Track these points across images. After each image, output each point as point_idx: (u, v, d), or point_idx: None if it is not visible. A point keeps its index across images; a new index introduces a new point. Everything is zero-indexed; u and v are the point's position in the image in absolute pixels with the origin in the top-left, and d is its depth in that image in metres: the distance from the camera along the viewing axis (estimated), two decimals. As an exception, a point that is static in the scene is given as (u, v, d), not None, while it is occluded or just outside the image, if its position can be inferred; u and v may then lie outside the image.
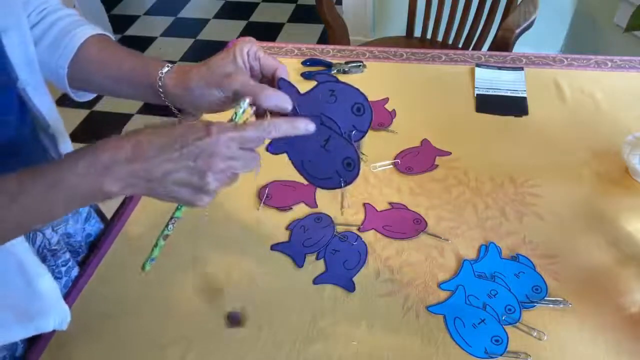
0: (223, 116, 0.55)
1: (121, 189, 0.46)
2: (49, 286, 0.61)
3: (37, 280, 0.59)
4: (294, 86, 0.56)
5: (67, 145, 0.69)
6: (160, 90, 0.58)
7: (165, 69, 0.58)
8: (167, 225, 0.53)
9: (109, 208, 0.88)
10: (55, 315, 0.62)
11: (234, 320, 0.65)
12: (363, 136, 0.57)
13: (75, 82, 0.65)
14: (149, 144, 0.46)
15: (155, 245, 0.54)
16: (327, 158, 0.58)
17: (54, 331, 0.65)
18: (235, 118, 0.52)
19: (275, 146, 0.59)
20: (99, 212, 0.85)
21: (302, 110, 0.56)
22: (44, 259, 0.67)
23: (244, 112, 0.52)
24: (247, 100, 0.52)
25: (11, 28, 0.55)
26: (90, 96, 0.70)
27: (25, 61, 0.58)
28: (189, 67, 0.57)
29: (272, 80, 0.57)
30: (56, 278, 0.69)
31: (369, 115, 0.56)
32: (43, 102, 0.62)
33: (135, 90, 0.62)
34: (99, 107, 2.45)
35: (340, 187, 0.59)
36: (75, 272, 0.73)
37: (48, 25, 0.64)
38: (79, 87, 0.67)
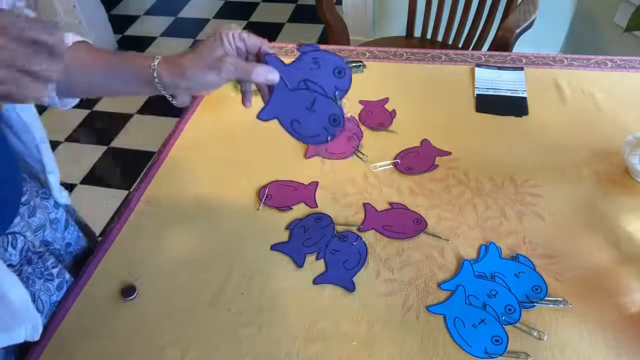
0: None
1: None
2: (19, 297, 0.60)
3: (10, 291, 0.59)
4: (279, 59, 0.62)
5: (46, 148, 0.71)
6: (157, 80, 0.59)
7: (157, 61, 0.60)
8: None
9: (95, 220, 0.87)
10: (28, 325, 0.61)
11: (128, 293, 0.69)
12: (345, 94, 0.64)
13: (58, 88, 0.64)
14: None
15: None
16: (314, 117, 0.64)
17: (53, 332, 0.66)
18: None
19: (266, 113, 0.64)
20: (79, 223, 0.84)
21: (289, 79, 0.62)
22: (29, 262, 0.67)
23: None
24: None
25: None
26: (73, 102, 0.70)
27: None
28: (178, 56, 0.59)
29: (258, 57, 0.62)
30: (47, 280, 0.68)
31: (349, 76, 0.63)
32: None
33: (124, 83, 0.62)
34: (99, 107, 2.45)
35: (327, 141, 0.65)
36: (67, 275, 0.72)
37: None
38: (61, 93, 0.66)
